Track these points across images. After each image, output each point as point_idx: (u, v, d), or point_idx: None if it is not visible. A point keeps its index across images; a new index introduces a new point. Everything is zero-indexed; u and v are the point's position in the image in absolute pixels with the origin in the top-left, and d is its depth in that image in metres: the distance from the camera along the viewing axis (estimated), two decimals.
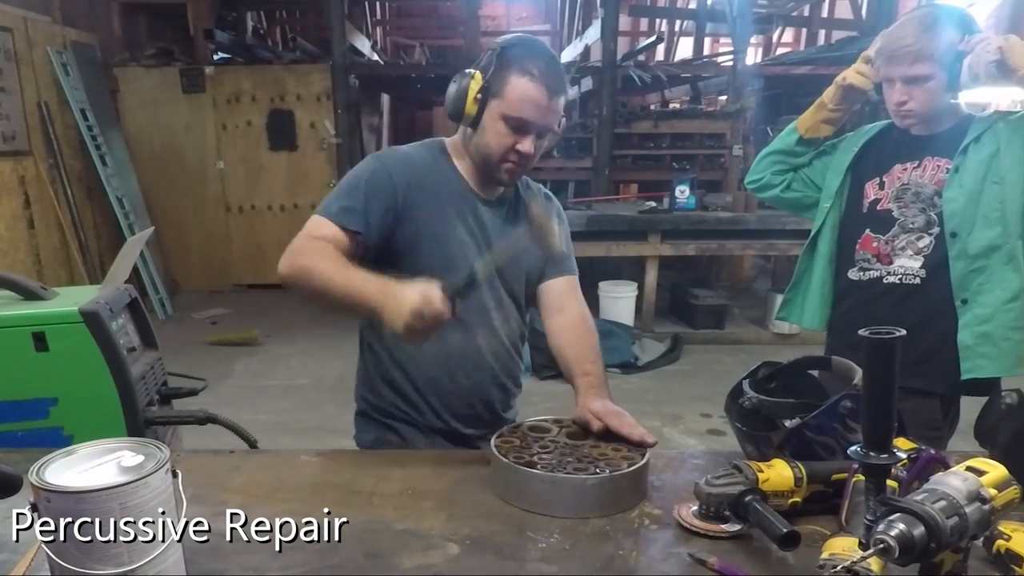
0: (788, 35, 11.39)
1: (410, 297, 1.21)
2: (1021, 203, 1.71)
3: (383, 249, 1.47)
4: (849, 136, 1.98)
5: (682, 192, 5.85)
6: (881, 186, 1.86)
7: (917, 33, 1.70)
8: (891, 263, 1.83)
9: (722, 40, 10.42)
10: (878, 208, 1.85)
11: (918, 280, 1.80)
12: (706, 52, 9.48)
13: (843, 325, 1.92)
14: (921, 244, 1.80)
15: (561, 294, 1.62)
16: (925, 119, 1.78)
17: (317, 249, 1.38)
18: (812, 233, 1.99)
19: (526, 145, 1.45)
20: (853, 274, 1.89)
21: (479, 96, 1.42)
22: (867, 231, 1.87)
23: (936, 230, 1.78)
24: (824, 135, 1.96)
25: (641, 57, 8.46)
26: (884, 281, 1.84)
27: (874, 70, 1.80)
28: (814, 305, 1.99)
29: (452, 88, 1.45)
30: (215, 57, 7.35)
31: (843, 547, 0.97)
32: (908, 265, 1.81)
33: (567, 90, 1.46)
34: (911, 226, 1.81)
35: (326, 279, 1.33)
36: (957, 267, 1.76)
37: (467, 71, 1.44)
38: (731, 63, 7.24)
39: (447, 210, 1.50)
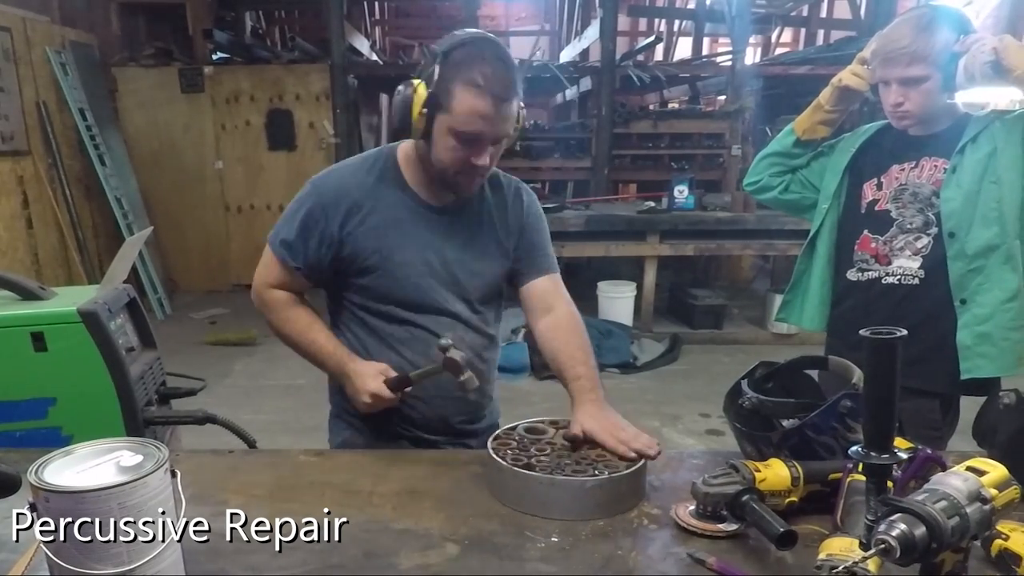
0: (787, 35, 11.40)
1: (362, 393, 1.42)
2: (1018, 203, 1.71)
3: (336, 270, 1.49)
4: (846, 137, 1.98)
5: (681, 192, 5.85)
6: (879, 187, 1.86)
7: (913, 34, 1.70)
8: (889, 263, 1.83)
9: (721, 40, 10.43)
10: (876, 209, 1.85)
11: (917, 280, 1.80)
12: (705, 52, 9.49)
13: (842, 326, 1.92)
14: (919, 244, 1.80)
15: (546, 293, 1.57)
16: (922, 120, 1.77)
17: (278, 307, 1.54)
18: (811, 234, 1.99)
19: (482, 158, 1.37)
20: (852, 275, 1.89)
21: (425, 110, 1.33)
22: (865, 232, 1.87)
23: (934, 230, 1.78)
24: (821, 136, 1.96)
25: (640, 57, 8.47)
26: (883, 281, 1.84)
27: (870, 71, 1.80)
28: (813, 306, 1.99)
29: (396, 99, 1.35)
30: (214, 57, 7.34)
31: (840, 547, 0.97)
32: (906, 265, 1.81)
33: (518, 91, 1.36)
34: (909, 226, 1.81)
35: (293, 342, 1.55)
36: (955, 267, 1.76)
37: (410, 80, 1.35)
38: (730, 63, 7.24)
39: (390, 233, 1.45)
